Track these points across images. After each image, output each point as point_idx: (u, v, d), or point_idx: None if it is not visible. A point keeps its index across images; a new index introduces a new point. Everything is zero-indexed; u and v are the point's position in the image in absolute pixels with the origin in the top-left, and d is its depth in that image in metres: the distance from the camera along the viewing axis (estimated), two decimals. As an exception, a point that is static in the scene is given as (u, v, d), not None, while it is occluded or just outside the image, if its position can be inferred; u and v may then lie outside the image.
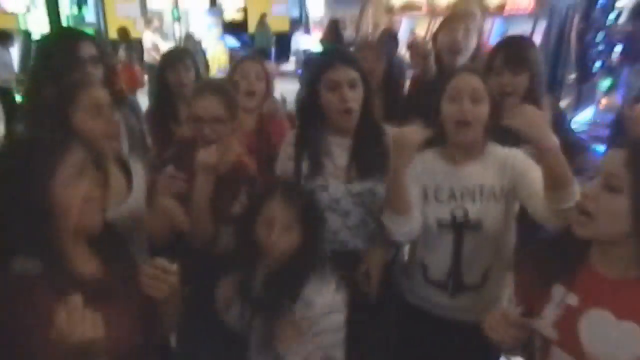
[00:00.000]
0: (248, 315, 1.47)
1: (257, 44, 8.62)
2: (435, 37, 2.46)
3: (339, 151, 1.77)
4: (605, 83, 4.34)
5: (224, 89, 1.84)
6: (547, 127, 1.39)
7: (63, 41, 1.94)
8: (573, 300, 1.15)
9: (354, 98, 1.70)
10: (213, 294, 1.53)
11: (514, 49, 1.93)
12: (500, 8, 5.64)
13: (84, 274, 1.08)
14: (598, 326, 1.11)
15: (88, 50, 1.85)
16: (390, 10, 7.07)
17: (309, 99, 1.81)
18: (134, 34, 7.28)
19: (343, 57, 1.81)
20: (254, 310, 1.46)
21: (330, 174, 1.75)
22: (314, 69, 1.83)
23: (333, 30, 6.22)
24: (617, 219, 1.07)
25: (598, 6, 5.09)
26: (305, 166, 1.76)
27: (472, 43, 2.37)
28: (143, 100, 4.37)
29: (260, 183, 1.79)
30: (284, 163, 1.83)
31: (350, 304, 1.47)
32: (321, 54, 2.84)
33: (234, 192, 1.74)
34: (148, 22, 7.76)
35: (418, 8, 6.87)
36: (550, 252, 1.24)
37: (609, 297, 1.11)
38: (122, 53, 6.36)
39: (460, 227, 1.62)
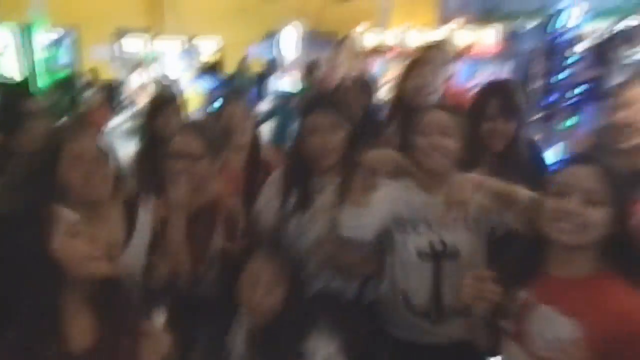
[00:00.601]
0: None
1: (238, 85, 8.71)
2: (402, 81, 2.52)
3: (326, 191, 1.80)
4: (570, 122, 4.47)
5: (205, 128, 1.87)
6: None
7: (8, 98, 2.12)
8: (528, 297, 1.30)
9: (332, 141, 1.77)
10: (196, 337, 1.51)
11: (507, 96, 2.01)
12: (468, 50, 5.84)
13: (76, 348, 1.06)
14: (544, 320, 1.24)
15: (33, 106, 2.02)
16: (361, 52, 7.25)
17: (294, 142, 1.88)
18: (107, 76, 7.29)
19: (323, 102, 1.92)
20: None
21: (317, 212, 1.77)
22: (300, 114, 1.97)
23: (311, 72, 6.36)
24: (600, 229, 1.21)
25: (560, 49, 5.31)
26: (291, 203, 1.80)
27: (440, 82, 2.45)
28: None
29: (245, 228, 1.78)
30: (267, 201, 1.86)
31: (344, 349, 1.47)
32: (306, 98, 2.93)
33: (209, 229, 1.73)
34: (138, 64, 7.77)
35: (389, 50, 7.06)
36: (514, 260, 1.39)
37: (557, 294, 1.25)
38: (92, 95, 6.34)
39: (438, 256, 1.69)
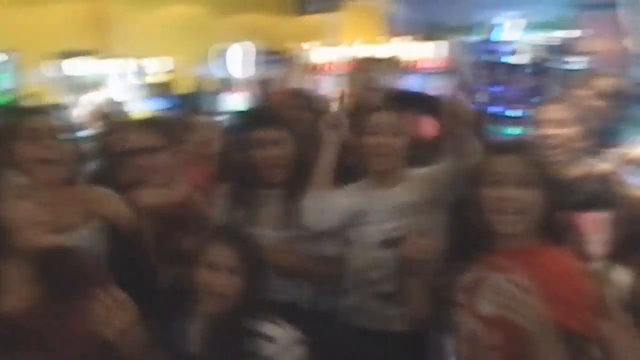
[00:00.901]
0: None
1: (191, 104, 8.62)
2: (350, 76, 2.65)
3: (271, 201, 1.83)
4: (510, 131, 4.65)
5: (153, 120, 1.88)
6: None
7: None
8: (478, 270, 1.42)
9: (276, 155, 1.82)
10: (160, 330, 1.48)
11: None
12: (413, 65, 6.01)
13: (9, 310, 1.02)
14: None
15: None
16: (313, 68, 7.33)
17: (241, 157, 1.91)
18: (52, 99, 7.07)
19: (268, 117, 1.98)
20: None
21: (262, 223, 1.80)
22: (245, 129, 1.98)
23: (264, 89, 6.40)
24: (536, 210, 1.35)
25: (499, 61, 5.54)
26: (239, 216, 1.82)
27: (385, 81, 2.58)
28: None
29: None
30: (219, 215, 1.87)
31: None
32: (250, 115, 2.98)
33: (183, 230, 1.73)
34: (85, 87, 7.59)
35: (341, 66, 7.15)
36: (465, 239, 1.49)
37: (503, 263, 1.35)
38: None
39: (400, 242, 1.72)
